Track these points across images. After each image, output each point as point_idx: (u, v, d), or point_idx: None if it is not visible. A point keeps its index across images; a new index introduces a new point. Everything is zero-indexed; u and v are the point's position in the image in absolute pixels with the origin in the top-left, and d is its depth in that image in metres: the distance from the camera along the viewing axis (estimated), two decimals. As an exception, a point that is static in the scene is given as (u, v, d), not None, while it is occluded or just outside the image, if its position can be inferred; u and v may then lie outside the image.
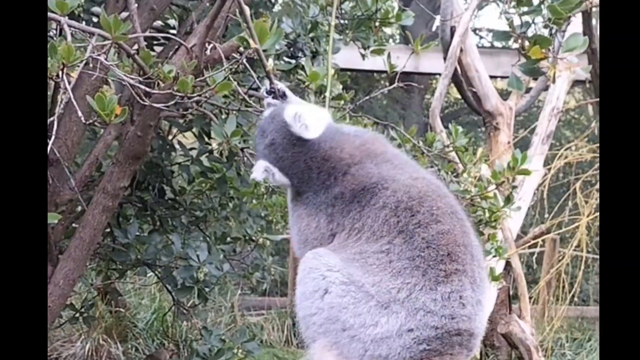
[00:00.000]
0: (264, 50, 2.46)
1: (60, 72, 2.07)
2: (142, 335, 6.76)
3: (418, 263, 2.30)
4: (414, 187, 2.40)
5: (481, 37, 15.64)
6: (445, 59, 6.31)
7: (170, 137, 5.08)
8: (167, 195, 4.95)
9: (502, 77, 9.82)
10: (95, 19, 4.38)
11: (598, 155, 7.83)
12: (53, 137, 2.33)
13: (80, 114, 2.10)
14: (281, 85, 2.58)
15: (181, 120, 4.46)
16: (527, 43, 2.51)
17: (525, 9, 2.50)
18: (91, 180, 4.28)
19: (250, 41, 2.20)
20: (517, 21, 2.56)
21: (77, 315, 5.09)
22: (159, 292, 7.36)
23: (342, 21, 4.19)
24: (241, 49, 2.89)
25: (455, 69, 6.38)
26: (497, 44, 17.11)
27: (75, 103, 2.29)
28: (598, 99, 7.79)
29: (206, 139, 4.77)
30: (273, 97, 2.56)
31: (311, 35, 4.29)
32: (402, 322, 2.27)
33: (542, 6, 2.42)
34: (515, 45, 2.69)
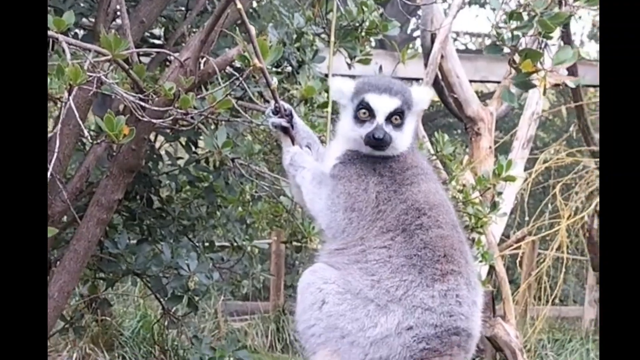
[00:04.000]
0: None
1: (66, 93, 2.10)
2: (129, 343, 6.75)
3: (415, 261, 2.42)
4: (433, 196, 2.53)
5: (455, 39, 15.75)
6: (426, 65, 6.36)
7: (157, 146, 5.09)
8: (155, 205, 4.97)
9: (480, 81, 9.93)
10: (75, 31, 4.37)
11: (577, 159, 7.95)
12: (55, 154, 2.36)
13: (86, 132, 2.14)
14: (287, 105, 2.62)
15: (168, 130, 4.48)
16: (517, 56, 2.57)
17: (517, 23, 2.57)
18: (80, 191, 4.28)
19: (255, 60, 2.25)
20: (507, 34, 2.63)
21: (67, 325, 5.08)
22: (143, 299, 7.35)
23: (328, 31, 4.24)
24: (236, 63, 2.95)
25: (436, 75, 6.43)
26: (473, 46, 17.27)
27: (79, 120, 2.32)
28: (573, 104, 7.92)
29: (193, 148, 4.80)
30: (279, 117, 2.60)
31: (296, 45, 4.32)
32: (400, 320, 2.37)
33: (533, 21, 2.49)
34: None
